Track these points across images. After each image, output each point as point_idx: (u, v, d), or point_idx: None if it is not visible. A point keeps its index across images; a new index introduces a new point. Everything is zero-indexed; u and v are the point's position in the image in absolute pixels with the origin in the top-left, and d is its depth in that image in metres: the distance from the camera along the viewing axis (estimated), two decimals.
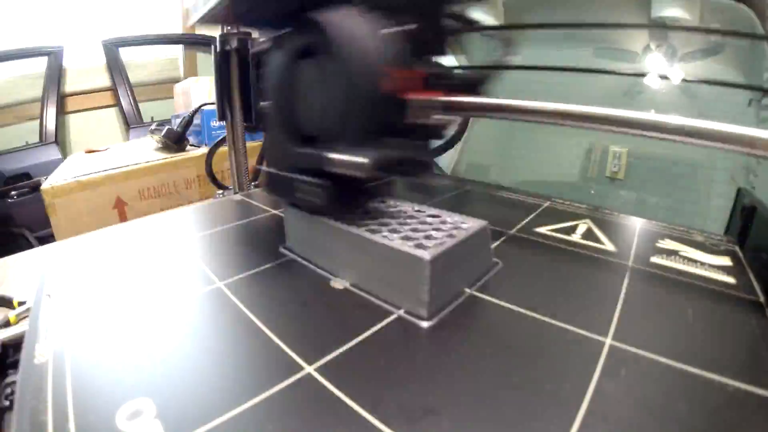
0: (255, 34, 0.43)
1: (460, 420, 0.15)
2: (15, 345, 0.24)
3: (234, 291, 0.24)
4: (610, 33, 0.71)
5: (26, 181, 1.21)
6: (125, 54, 1.59)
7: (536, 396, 0.16)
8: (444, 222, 0.26)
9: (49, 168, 0.77)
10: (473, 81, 0.27)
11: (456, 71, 0.29)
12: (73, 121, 1.51)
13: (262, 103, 0.44)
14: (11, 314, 0.29)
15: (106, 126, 1.55)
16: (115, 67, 1.55)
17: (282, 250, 0.30)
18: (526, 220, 0.35)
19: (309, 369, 0.18)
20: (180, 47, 1.70)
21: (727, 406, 0.16)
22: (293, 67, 0.26)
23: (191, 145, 0.86)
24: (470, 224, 0.25)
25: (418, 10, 0.25)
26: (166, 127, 0.84)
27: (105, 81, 1.55)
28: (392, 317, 0.21)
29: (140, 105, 1.58)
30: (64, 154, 1.39)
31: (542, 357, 0.18)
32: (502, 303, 0.22)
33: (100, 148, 0.94)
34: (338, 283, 0.25)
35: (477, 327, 0.21)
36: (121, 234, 0.34)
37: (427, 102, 0.24)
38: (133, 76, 1.59)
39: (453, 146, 0.49)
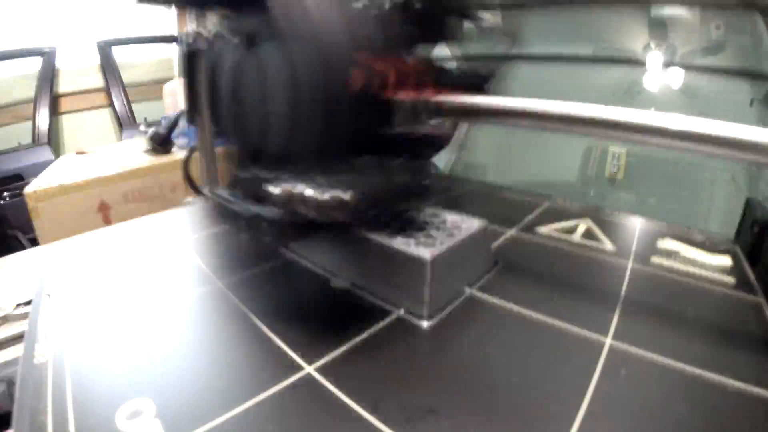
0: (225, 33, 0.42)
1: (460, 420, 0.15)
2: None
3: (234, 291, 0.24)
4: (611, 31, 0.71)
5: (18, 183, 1.21)
6: (119, 54, 1.58)
7: (536, 396, 0.16)
8: (444, 222, 0.26)
9: (41, 169, 0.77)
10: (479, 77, 0.21)
11: (455, 65, 0.23)
12: (66, 122, 1.50)
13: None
14: None
15: (99, 127, 1.54)
16: (108, 67, 1.54)
17: (282, 250, 0.30)
18: (526, 219, 0.35)
19: (309, 369, 0.18)
20: (174, 47, 1.70)
21: (727, 406, 0.16)
22: (237, 60, 0.20)
23: (179, 148, 0.85)
24: (470, 224, 0.25)
25: None
26: (152, 129, 0.83)
27: (98, 81, 1.54)
28: (392, 317, 0.21)
29: (134, 105, 1.57)
30: (57, 155, 1.38)
31: (542, 357, 0.18)
32: (502, 303, 0.22)
33: (90, 150, 0.94)
34: (338, 283, 0.25)
35: (477, 327, 0.21)
36: (121, 234, 0.34)
37: (421, 104, 0.18)
38: (127, 76, 1.58)
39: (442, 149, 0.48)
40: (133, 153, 0.86)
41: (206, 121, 0.44)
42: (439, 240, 0.23)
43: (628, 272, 0.26)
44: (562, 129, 0.19)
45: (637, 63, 0.67)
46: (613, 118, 0.18)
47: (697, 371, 0.17)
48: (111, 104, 1.55)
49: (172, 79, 1.45)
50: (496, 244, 0.30)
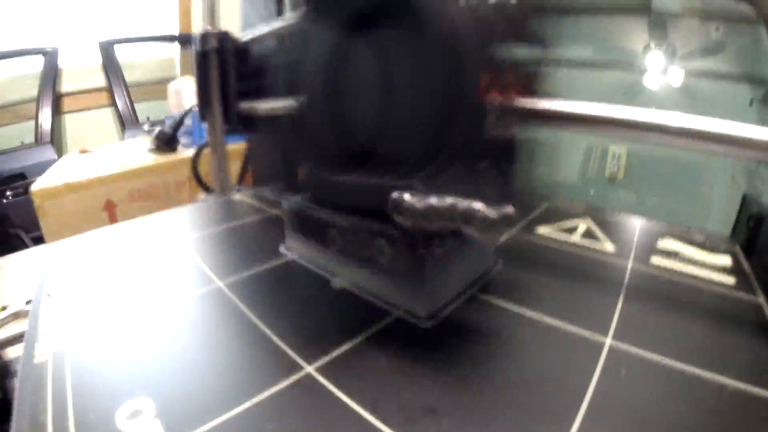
0: (236, 33, 0.43)
1: (460, 420, 0.15)
2: None
3: (234, 291, 0.24)
4: (611, 32, 0.71)
5: (21, 182, 1.21)
6: (121, 54, 1.59)
7: (536, 396, 0.16)
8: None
9: (44, 168, 0.77)
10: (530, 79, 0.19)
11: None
12: (69, 121, 1.50)
13: (244, 104, 0.44)
14: None
15: (102, 126, 1.54)
16: (110, 66, 1.55)
17: (282, 250, 0.30)
18: (526, 220, 0.35)
19: (309, 369, 0.18)
20: (176, 46, 1.70)
21: (727, 406, 0.16)
22: (341, 45, 0.17)
23: (184, 146, 0.86)
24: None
25: None
26: (157, 128, 0.83)
27: (101, 81, 1.55)
28: (392, 317, 0.21)
29: (137, 105, 1.57)
30: (60, 154, 1.39)
31: (542, 357, 0.18)
32: (502, 303, 0.22)
33: (93, 149, 0.94)
34: (338, 283, 0.25)
35: (477, 327, 0.21)
36: (120, 234, 0.34)
37: (510, 108, 0.16)
38: (129, 76, 1.58)
39: None
40: (138, 152, 0.86)
41: (218, 119, 0.45)
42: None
43: (628, 272, 0.26)
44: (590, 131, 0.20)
45: (637, 69, 0.67)
46: (620, 117, 0.18)
47: (697, 371, 0.17)
48: (113, 104, 1.55)
49: (174, 78, 1.45)
50: (496, 244, 0.30)
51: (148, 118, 1.51)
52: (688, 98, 0.65)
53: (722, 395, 0.16)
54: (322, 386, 0.17)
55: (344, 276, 0.25)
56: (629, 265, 0.27)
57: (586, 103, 0.18)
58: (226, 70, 0.42)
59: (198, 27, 0.42)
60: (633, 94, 0.69)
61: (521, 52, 0.19)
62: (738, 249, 0.29)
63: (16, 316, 0.34)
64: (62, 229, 0.64)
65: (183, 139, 0.86)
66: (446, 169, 0.15)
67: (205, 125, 0.45)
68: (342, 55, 0.17)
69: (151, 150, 0.86)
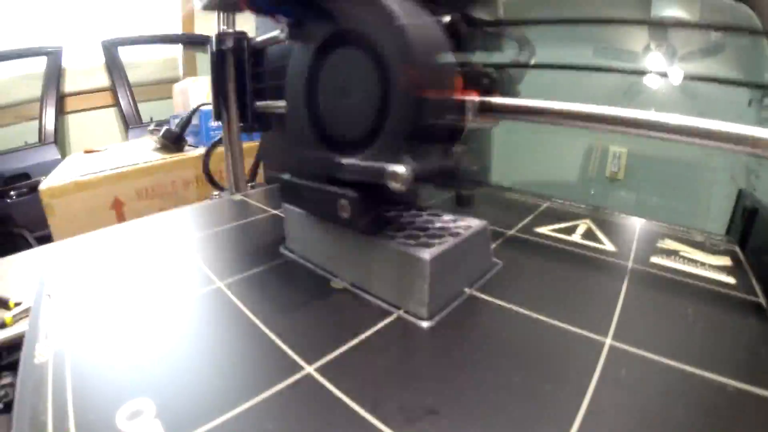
0: (252, 33, 0.43)
1: (460, 420, 0.15)
2: (9, 347, 0.24)
3: (234, 291, 0.24)
4: (610, 33, 0.71)
5: (25, 182, 1.22)
6: (124, 54, 1.59)
7: (536, 396, 0.16)
8: (444, 222, 0.26)
9: (48, 168, 0.78)
10: (503, 83, 0.26)
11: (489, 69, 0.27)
12: (72, 121, 1.51)
13: (259, 103, 0.44)
14: (7, 315, 0.29)
15: (105, 126, 1.55)
16: (114, 67, 1.55)
17: (282, 250, 0.30)
18: (526, 220, 0.35)
19: (309, 369, 0.18)
20: (179, 47, 1.70)
21: (727, 405, 0.16)
22: (318, 59, 0.24)
23: (189, 146, 0.86)
24: (470, 224, 0.25)
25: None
26: (165, 128, 0.84)
27: (104, 81, 1.55)
28: (392, 317, 0.21)
29: (140, 105, 1.58)
30: (63, 154, 1.39)
31: (542, 357, 0.18)
32: (502, 303, 0.22)
33: (99, 148, 0.94)
34: (338, 283, 0.25)
35: (477, 327, 0.21)
36: (121, 234, 0.34)
37: (469, 104, 0.22)
38: (133, 76, 1.59)
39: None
40: (144, 151, 0.87)
41: (234, 117, 0.45)
42: (439, 240, 0.23)
43: (628, 272, 0.26)
44: (579, 125, 0.23)
45: (637, 72, 0.67)
46: (619, 116, 0.21)
47: (697, 371, 0.17)
48: (117, 104, 1.56)
49: (177, 79, 1.46)
50: (496, 244, 0.30)
51: (151, 118, 1.52)
52: (687, 98, 0.65)
53: (722, 395, 0.16)
54: (322, 386, 0.17)
55: (344, 276, 0.25)
56: (629, 266, 0.27)
57: (553, 102, 0.24)
58: (242, 70, 0.42)
59: (201, 28, 0.43)
60: (633, 95, 0.69)
61: (499, 56, 0.28)
62: (737, 249, 0.30)
63: (28, 312, 0.34)
64: (70, 227, 0.65)
65: (189, 139, 0.87)
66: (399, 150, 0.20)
67: (214, 124, 0.46)
68: (316, 66, 0.24)
69: (157, 149, 0.86)
